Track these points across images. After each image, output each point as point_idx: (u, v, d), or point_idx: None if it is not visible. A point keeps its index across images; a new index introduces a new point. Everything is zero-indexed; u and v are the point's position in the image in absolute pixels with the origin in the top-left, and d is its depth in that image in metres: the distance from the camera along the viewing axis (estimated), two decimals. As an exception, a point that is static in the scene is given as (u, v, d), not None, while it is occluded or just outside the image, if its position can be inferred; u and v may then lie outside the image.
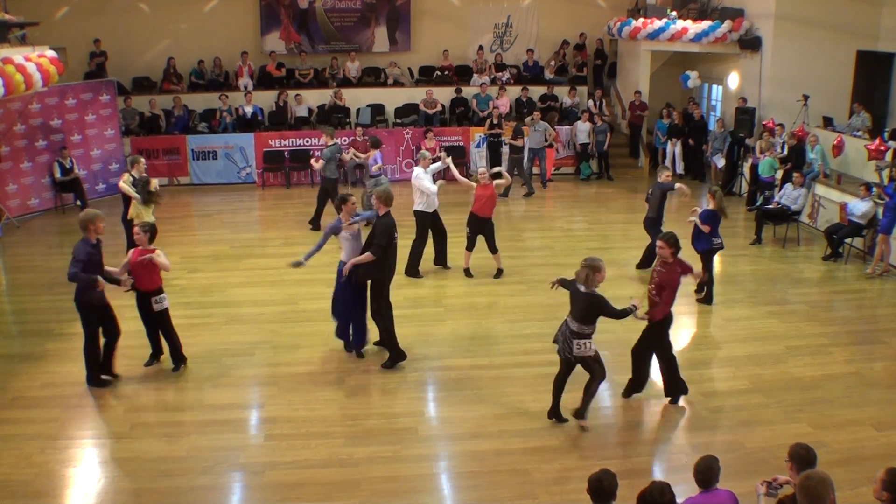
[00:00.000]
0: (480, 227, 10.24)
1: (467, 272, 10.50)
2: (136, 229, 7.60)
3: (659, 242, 6.90)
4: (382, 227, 7.50)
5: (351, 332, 8.11)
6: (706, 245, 9.39)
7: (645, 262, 10.55)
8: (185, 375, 7.74)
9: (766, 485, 4.63)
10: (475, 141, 16.70)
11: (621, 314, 6.42)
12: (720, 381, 7.66)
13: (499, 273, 10.48)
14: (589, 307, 6.36)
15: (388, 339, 7.89)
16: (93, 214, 7.25)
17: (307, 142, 16.08)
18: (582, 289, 6.39)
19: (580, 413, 6.72)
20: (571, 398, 6.84)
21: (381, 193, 7.66)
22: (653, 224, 10.15)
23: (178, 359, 7.81)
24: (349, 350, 8.17)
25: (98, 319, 7.37)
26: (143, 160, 10.52)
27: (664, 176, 10.14)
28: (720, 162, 15.56)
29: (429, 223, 10.41)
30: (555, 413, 6.81)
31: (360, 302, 7.94)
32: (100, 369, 7.51)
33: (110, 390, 7.44)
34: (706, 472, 4.50)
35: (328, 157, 12.45)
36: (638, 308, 6.50)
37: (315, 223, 12.68)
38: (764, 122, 14.13)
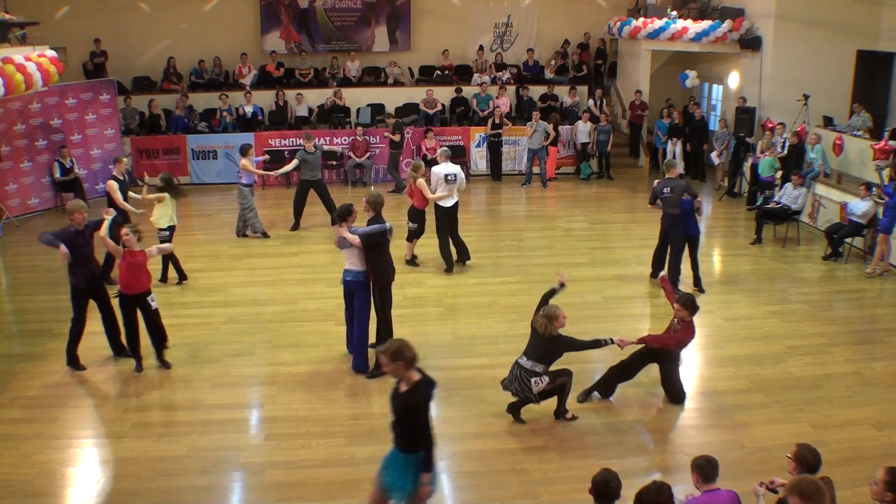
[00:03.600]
0: (419, 217, 10.75)
1: (412, 261, 10.93)
2: (124, 231, 7.61)
3: (676, 305, 7.03)
4: (375, 224, 7.52)
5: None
6: (697, 230, 9.87)
7: (657, 271, 10.33)
8: (184, 375, 7.73)
9: (764, 486, 4.63)
10: (475, 140, 16.71)
11: (592, 345, 6.69)
12: (720, 381, 7.66)
13: (412, 259, 10.95)
14: (553, 349, 6.57)
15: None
16: (79, 205, 7.70)
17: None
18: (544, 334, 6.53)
19: (560, 412, 6.82)
20: (548, 400, 6.88)
21: (371, 198, 7.58)
22: (673, 222, 9.81)
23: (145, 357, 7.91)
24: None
25: (86, 301, 7.73)
26: (125, 159, 10.63)
27: (674, 171, 9.91)
28: (715, 159, 15.60)
29: (445, 218, 10.63)
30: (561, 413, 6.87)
31: (365, 313, 7.78)
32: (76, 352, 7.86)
33: (110, 390, 7.46)
34: (708, 468, 4.50)
35: (303, 159, 12.56)
36: (622, 343, 6.79)
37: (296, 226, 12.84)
38: (762, 124, 14.13)
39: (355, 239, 7.38)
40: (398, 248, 10.21)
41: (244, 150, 12.05)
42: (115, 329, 7.94)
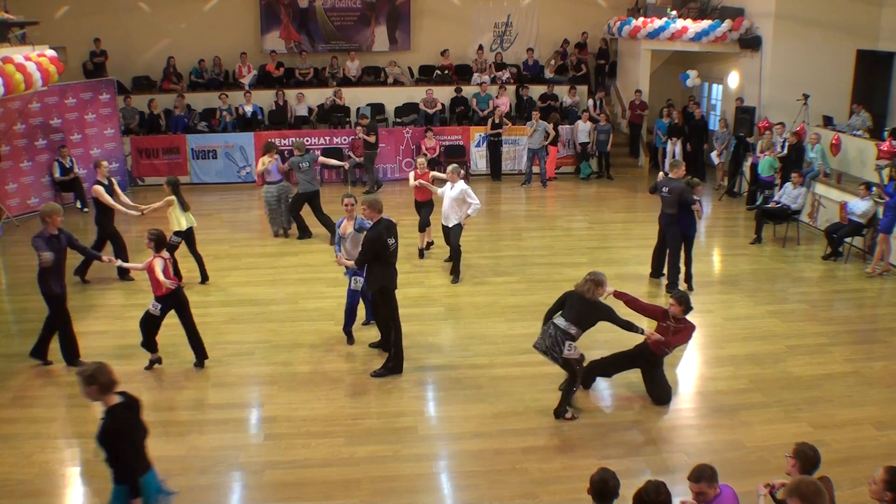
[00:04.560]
0: (419, 207, 11.15)
1: (422, 253, 11.36)
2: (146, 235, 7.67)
3: (671, 301, 7.08)
4: (369, 241, 7.29)
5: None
6: (693, 230, 9.85)
7: (657, 270, 10.40)
8: (184, 375, 7.73)
9: (768, 487, 4.61)
10: (475, 140, 16.71)
11: (626, 326, 6.77)
12: (720, 380, 7.66)
13: (427, 246, 11.47)
14: (592, 315, 6.63)
15: (394, 352, 7.72)
16: (56, 208, 7.60)
17: (307, 141, 16.03)
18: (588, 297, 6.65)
19: (561, 412, 6.83)
20: (548, 399, 6.86)
21: (371, 200, 7.40)
22: (670, 222, 9.85)
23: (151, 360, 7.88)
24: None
25: (60, 306, 7.70)
26: (104, 163, 10.51)
27: (677, 172, 9.82)
28: (715, 159, 15.62)
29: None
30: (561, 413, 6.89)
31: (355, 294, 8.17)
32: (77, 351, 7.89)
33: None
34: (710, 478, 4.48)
35: (295, 164, 12.03)
36: (650, 337, 6.88)
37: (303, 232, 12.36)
38: (759, 124, 14.14)
39: (350, 263, 7.72)
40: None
41: (270, 148, 12.08)
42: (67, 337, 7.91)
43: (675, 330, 7.05)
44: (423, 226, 11.20)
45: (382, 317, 7.85)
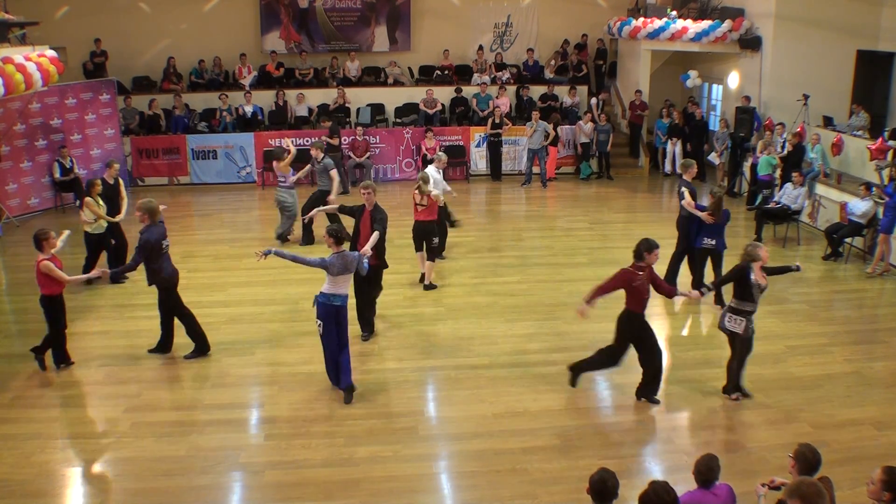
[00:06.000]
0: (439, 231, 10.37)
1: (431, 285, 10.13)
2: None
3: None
4: (381, 214, 8.33)
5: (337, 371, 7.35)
6: (699, 244, 9.38)
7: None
8: (185, 375, 7.73)
9: (765, 487, 4.62)
10: (475, 140, 16.71)
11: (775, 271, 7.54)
12: (720, 381, 7.63)
13: (428, 283, 10.06)
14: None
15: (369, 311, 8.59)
16: (155, 202, 7.96)
17: (307, 141, 16.02)
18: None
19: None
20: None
21: (371, 184, 8.45)
22: (681, 224, 9.71)
23: (58, 359, 7.88)
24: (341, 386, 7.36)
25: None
26: (116, 165, 10.66)
27: (690, 172, 9.75)
28: (715, 160, 15.61)
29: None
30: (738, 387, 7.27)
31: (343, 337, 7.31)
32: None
33: (110, 390, 7.47)
34: (707, 473, 4.48)
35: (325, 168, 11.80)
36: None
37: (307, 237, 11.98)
38: (765, 123, 14.14)
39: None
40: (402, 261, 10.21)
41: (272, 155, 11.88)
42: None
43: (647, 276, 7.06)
44: (437, 254, 10.17)
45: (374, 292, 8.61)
